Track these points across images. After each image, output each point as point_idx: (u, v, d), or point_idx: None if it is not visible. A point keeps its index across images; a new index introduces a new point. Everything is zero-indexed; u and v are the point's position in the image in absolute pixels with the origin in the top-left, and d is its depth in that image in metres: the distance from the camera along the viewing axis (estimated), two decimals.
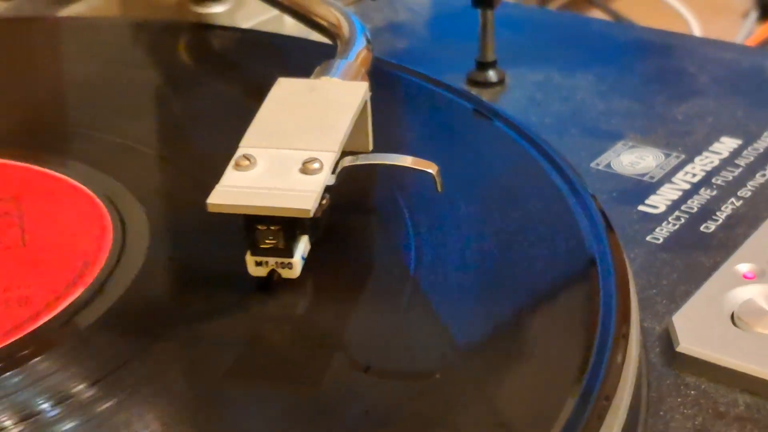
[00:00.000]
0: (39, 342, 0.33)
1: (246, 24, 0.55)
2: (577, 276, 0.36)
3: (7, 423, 0.31)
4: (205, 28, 0.54)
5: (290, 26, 0.56)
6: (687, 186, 0.46)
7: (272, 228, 0.34)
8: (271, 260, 0.34)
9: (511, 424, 0.31)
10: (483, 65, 0.55)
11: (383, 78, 0.43)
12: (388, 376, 0.32)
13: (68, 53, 0.53)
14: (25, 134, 0.45)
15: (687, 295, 0.39)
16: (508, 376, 0.32)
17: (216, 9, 0.54)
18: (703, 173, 0.47)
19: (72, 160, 0.41)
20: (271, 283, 0.34)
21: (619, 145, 0.49)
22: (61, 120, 0.46)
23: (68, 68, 0.51)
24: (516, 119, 0.44)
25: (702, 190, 0.45)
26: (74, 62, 0.52)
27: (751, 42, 0.91)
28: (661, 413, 0.35)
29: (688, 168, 0.47)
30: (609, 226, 0.37)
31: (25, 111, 0.47)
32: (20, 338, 0.33)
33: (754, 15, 1.14)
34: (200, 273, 0.36)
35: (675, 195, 0.45)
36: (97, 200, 0.39)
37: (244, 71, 0.50)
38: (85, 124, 0.45)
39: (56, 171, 0.41)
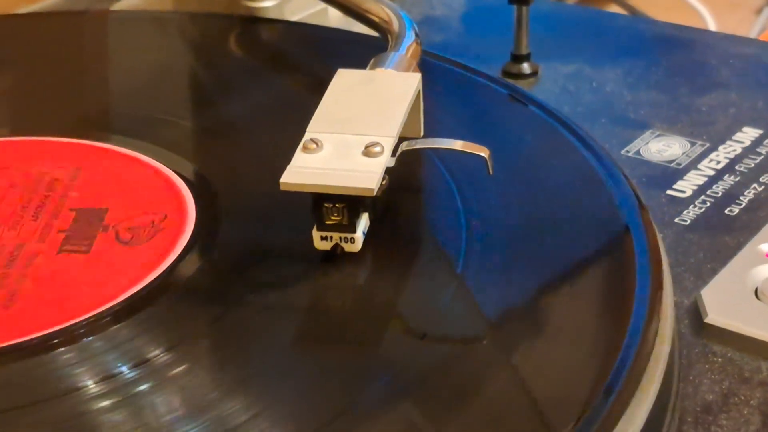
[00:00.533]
0: (121, 311, 0.36)
1: (293, 17, 0.58)
2: (615, 251, 0.39)
3: (89, 382, 0.33)
4: (255, 22, 0.56)
5: (334, 19, 0.58)
6: (712, 172, 0.49)
7: (337, 205, 0.37)
8: (336, 235, 0.37)
9: (552, 393, 0.33)
10: (518, 58, 0.58)
11: (428, 68, 0.46)
12: (440, 343, 0.35)
13: (122, 46, 0.56)
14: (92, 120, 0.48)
15: (713, 272, 0.42)
16: (551, 347, 0.35)
17: (266, 3, 0.56)
18: (727, 160, 0.50)
19: (149, 143, 0.45)
20: (335, 256, 0.37)
21: (647, 133, 0.52)
22: (125, 108, 0.49)
23: (123, 61, 0.54)
24: (553, 108, 0.47)
25: (726, 176, 0.49)
26: (128, 55, 0.55)
27: (765, 37, 0.93)
28: (691, 378, 0.38)
29: (713, 155, 0.50)
30: (642, 205, 0.40)
31: (87, 101, 0.50)
32: (107, 310, 0.36)
33: (767, 11, 1.17)
34: (270, 247, 0.39)
35: (700, 180, 0.48)
36: (178, 183, 0.42)
37: (294, 62, 0.53)
38: (158, 111, 0.48)
39: (139, 153, 0.44)
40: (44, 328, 0.35)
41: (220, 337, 0.35)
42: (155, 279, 0.37)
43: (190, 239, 0.39)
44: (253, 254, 0.39)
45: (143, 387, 0.33)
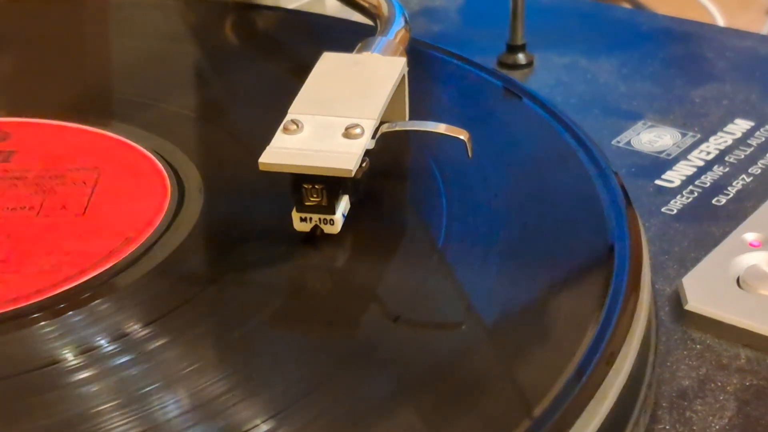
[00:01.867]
0: (102, 287, 0.36)
1: (290, 5, 0.58)
2: (596, 241, 0.39)
3: (69, 355, 0.34)
4: (252, 8, 0.57)
5: (331, 7, 0.59)
6: (701, 163, 0.49)
7: (317, 186, 0.37)
8: (315, 216, 0.37)
9: (524, 372, 0.33)
10: (513, 48, 0.58)
11: (419, 57, 0.46)
12: (415, 326, 0.35)
13: (117, 31, 0.57)
14: (88, 104, 0.48)
15: (696, 261, 0.42)
16: (525, 329, 0.35)
17: None
18: (717, 151, 0.50)
19: (119, 122, 0.45)
20: (314, 237, 0.37)
21: (639, 124, 0.52)
22: (120, 91, 0.50)
23: (124, 45, 0.55)
24: (543, 98, 0.47)
25: (715, 167, 0.48)
26: (123, 40, 0.55)
27: None
28: (668, 363, 0.38)
29: (703, 146, 0.50)
30: (627, 197, 0.40)
31: (87, 83, 0.51)
32: (87, 282, 0.36)
33: None
34: (250, 228, 0.39)
35: (690, 171, 0.48)
36: (160, 166, 0.42)
37: (289, 48, 0.54)
38: (144, 95, 0.48)
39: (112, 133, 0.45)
40: None
41: (196, 315, 0.35)
42: (134, 253, 0.37)
43: (168, 218, 0.39)
44: (232, 234, 0.39)
45: (121, 361, 0.33)
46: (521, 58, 0.58)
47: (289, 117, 0.38)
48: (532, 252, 0.38)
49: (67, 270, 0.37)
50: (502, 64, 0.58)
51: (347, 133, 0.37)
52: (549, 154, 0.44)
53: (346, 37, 0.47)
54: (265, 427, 0.31)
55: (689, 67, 0.57)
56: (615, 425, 0.33)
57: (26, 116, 0.46)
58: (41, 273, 0.37)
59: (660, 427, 0.35)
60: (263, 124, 0.39)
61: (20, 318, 0.35)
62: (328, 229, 0.37)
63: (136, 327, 0.35)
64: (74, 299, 0.36)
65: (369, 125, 0.38)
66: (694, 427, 0.35)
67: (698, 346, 0.39)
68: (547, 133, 0.45)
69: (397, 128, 0.38)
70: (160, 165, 0.42)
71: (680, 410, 0.36)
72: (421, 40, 0.50)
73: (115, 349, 0.34)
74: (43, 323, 0.35)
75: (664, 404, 0.36)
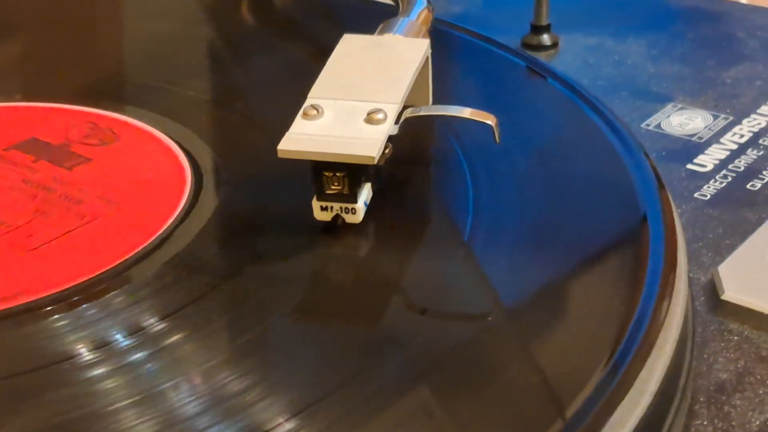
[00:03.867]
0: (117, 279, 0.35)
1: None
2: (628, 228, 0.37)
3: (84, 350, 0.32)
4: None
5: None
6: (734, 146, 0.47)
7: (338, 174, 0.35)
8: (336, 205, 0.36)
9: (557, 367, 0.32)
10: (537, 29, 0.56)
11: (442, 37, 0.45)
12: (442, 317, 0.34)
13: (130, 12, 0.55)
14: (103, 88, 0.47)
15: (732, 248, 0.41)
16: (559, 322, 0.33)
17: None
18: (751, 134, 0.48)
19: (147, 110, 0.44)
20: (335, 227, 0.36)
21: (669, 106, 0.51)
22: (135, 75, 0.49)
23: (131, 27, 0.54)
24: (570, 79, 0.45)
25: (749, 150, 0.47)
26: (137, 21, 0.54)
27: None
28: (705, 356, 0.36)
29: (736, 129, 0.49)
30: (660, 181, 0.39)
31: (101, 67, 0.49)
32: (102, 274, 0.35)
33: None
34: (269, 218, 0.38)
35: (722, 154, 0.47)
36: (177, 154, 0.41)
37: (308, 30, 0.52)
38: (161, 79, 0.47)
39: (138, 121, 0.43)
40: None
41: (217, 307, 0.34)
42: (150, 244, 0.36)
43: (186, 208, 0.38)
44: (251, 224, 0.38)
45: (139, 355, 0.32)
46: (546, 39, 0.56)
47: (308, 102, 0.37)
48: (562, 239, 0.37)
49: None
50: (527, 45, 0.56)
51: (369, 119, 0.36)
52: (577, 136, 0.42)
53: (367, 18, 0.45)
54: (288, 425, 0.29)
55: (720, 47, 0.56)
56: (651, 422, 0.31)
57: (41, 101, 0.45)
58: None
59: (698, 422, 0.34)
60: (283, 110, 0.38)
61: (33, 311, 0.34)
62: (349, 218, 0.36)
63: (152, 321, 0.33)
64: (88, 292, 0.34)
65: (392, 110, 0.37)
66: (733, 423, 0.34)
67: (736, 338, 0.37)
68: (574, 115, 0.43)
69: (421, 113, 0.37)
70: (177, 152, 0.41)
71: (718, 405, 0.35)
72: (443, 20, 0.49)
73: (131, 343, 0.33)
74: (56, 316, 0.34)
75: (701, 399, 0.35)
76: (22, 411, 0.31)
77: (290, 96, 0.39)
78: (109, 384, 0.31)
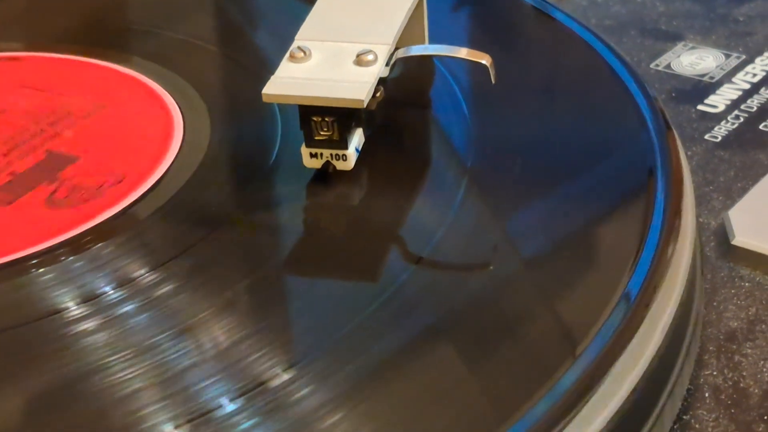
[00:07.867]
0: (105, 229, 0.34)
1: None
2: (633, 172, 0.36)
3: (71, 304, 0.31)
4: None
5: None
6: (747, 86, 0.46)
7: (327, 119, 0.34)
8: (326, 152, 0.34)
9: (562, 310, 0.31)
10: None
11: None
12: (439, 267, 0.32)
13: None
14: (90, 32, 0.46)
15: (743, 191, 0.39)
16: (561, 264, 0.32)
17: None
18: (764, 73, 0.46)
19: (135, 56, 0.43)
20: (326, 174, 0.35)
21: (679, 46, 0.49)
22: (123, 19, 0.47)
23: None
24: (575, 18, 0.44)
25: (762, 90, 0.45)
26: None
27: None
28: (715, 304, 0.35)
29: (749, 68, 0.47)
30: (666, 123, 0.37)
31: (87, 12, 0.48)
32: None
33: None
34: (258, 165, 0.36)
35: (734, 95, 0.45)
36: (165, 97, 0.40)
37: None
38: (148, 23, 0.46)
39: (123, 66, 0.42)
40: None
41: (207, 258, 0.33)
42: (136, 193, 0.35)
43: (172, 156, 0.37)
44: (240, 172, 0.37)
45: (129, 307, 0.31)
46: None
47: (295, 44, 0.35)
48: (566, 181, 0.35)
49: None
50: None
51: (359, 60, 0.34)
52: (582, 77, 0.41)
53: None
54: (285, 376, 0.28)
55: None
56: (657, 373, 0.30)
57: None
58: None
59: (707, 373, 0.32)
60: (271, 52, 0.36)
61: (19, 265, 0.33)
62: (340, 165, 0.34)
63: (142, 272, 0.32)
64: (75, 243, 0.33)
65: (383, 51, 0.35)
66: (744, 373, 0.32)
67: (747, 284, 0.36)
68: (580, 55, 0.42)
69: (413, 53, 0.35)
70: (165, 98, 0.40)
71: (728, 354, 0.33)
72: None
73: (120, 295, 0.31)
74: (42, 270, 0.33)
75: (710, 348, 0.33)
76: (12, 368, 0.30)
77: (279, 37, 0.37)
78: (100, 337, 0.30)
